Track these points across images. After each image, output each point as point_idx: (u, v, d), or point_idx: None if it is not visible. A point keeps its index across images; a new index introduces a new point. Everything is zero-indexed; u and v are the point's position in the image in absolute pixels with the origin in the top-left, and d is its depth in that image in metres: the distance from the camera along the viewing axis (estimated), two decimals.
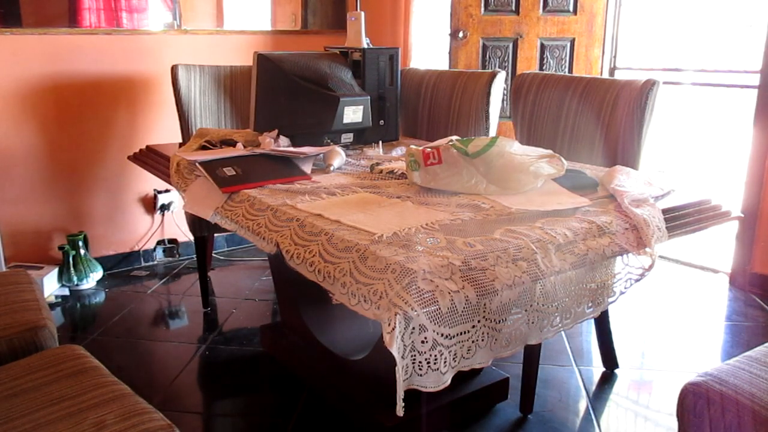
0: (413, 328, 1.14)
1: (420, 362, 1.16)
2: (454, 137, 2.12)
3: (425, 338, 1.15)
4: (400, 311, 1.13)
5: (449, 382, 1.21)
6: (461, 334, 1.20)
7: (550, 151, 1.77)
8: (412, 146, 1.79)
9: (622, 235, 1.51)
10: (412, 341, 1.14)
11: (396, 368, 1.15)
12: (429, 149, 1.72)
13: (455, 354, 1.20)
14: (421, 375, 1.17)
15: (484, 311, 1.23)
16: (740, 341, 2.58)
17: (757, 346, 1.52)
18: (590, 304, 1.48)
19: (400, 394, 1.15)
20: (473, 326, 1.22)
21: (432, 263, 1.24)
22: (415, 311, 1.14)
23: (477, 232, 1.42)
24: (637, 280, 1.57)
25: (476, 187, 1.69)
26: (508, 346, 1.31)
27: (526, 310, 1.32)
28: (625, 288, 1.55)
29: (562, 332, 2.64)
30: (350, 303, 1.26)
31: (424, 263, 1.24)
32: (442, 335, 1.17)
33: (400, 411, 1.15)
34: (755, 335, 2.63)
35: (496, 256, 1.30)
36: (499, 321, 1.26)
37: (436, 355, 1.17)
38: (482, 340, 1.24)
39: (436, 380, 1.19)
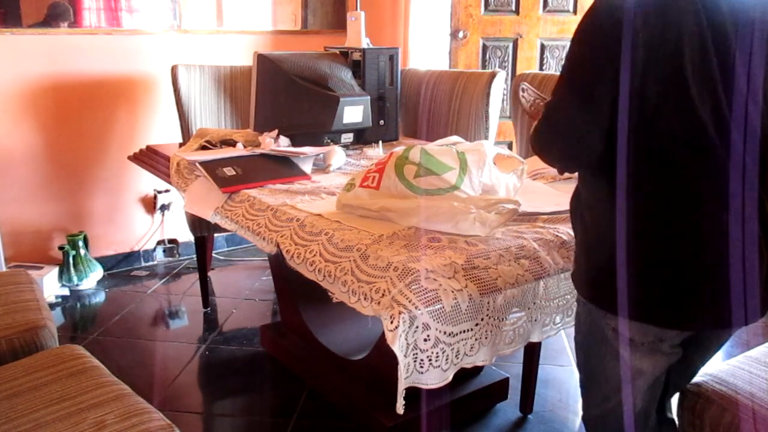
0: (416, 327, 1.14)
1: (422, 360, 1.16)
2: (455, 137, 2.12)
3: (428, 336, 1.16)
4: (404, 310, 1.13)
5: (451, 378, 1.21)
6: (465, 332, 1.20)
7: (507, 199, 1.53)
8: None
9: None
10: (415, 339, 1.15)
11: (396, 367, 1.15)
12: (373, 172, 1.54)
13: (458, 351, 1.21)
14: (422, 372, 1.17)
15: (488, 309, 1.23)
16: (740, 341, 2.58)
17: (757, 346, 1.52)
18: None
19: (401, 392, 1.15)
20: (476, 324, 1.22)
21: (434, 262, 1.24)
22: (419, 310, 1.14)
23: None
24: None
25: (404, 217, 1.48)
26: (510, 344, 1.31)
27: (528, 308, 1.32)
28: None
29: (562, 332, 2.64)
30: (350, 301, 1.26)
31: (426, 262, 1.24)
32: (444, 333, 1.18)
33: (400, 409, 1.16)
34: (755, 335, 2.63)
35: (498, 255, 1.30)
36: (502, 319, 1.27)
37: (438, 353, 1.18)
38: (485, 337, 1.24)
39: (438, 377, 1.19)
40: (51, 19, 2.90)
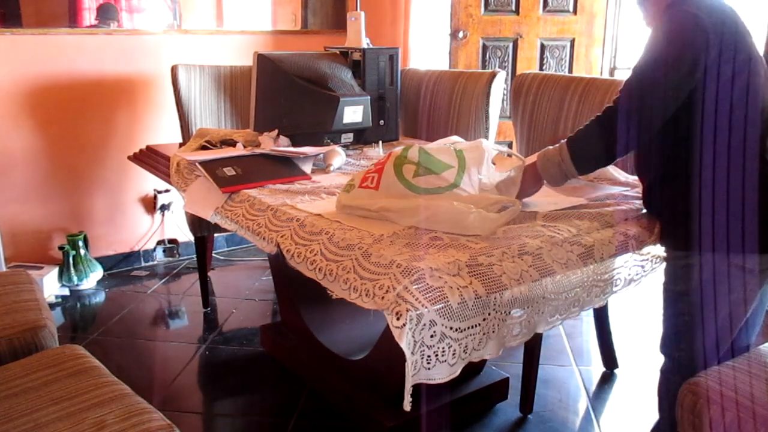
0: (423, 324, 1.15)
1: (428, 356, 1.17)
2: (455, 137, 2.12)
3: (434, 332, 1.16)
4: (411, 307, 1.13)
5: (458, 372, 1.21)
6: (473, 327, 1.21)
7: (507, 198, 1.54)
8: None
9: (625, 225, 1.52)
10: (422, 337, 1.15)
11: (402, 365, 1.15)
12: (372, 172, 1.54)
13: (466, 346, 1.21)
14: (429, 368, 1.17)
15: (494, 304, 1.23)
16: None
17: (758, 346, 1.52)
18: (599, 293, 1.48)
19: (408, 390, 1.15)
20: (484, 319, 1.22)
21: (438, 260, 1.24)
22: (426, 308, 1.14)
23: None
24: (645, 268, 1.58)
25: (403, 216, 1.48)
26: (517, 336, 1.31)
27: (537, 303, 1.33)
28: (636, 275, 1.56)
29: (562, 332, 2.64)
30: (350, 297, 1.26)
31: (430, 260, 1.24)
32: (451, 329, 1.18)
33: (407, 406, 1.16)
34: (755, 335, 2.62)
35: (501, 252, 1.30)
36: (508, 312, 1.27)
37: (444, 348, 1.18)
38: (492, 331, 1.25)
39: (445, 372, 1.19)
40: (102, 20, 3.00)
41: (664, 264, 1.56)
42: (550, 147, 1.55)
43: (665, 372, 1.58)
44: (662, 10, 1.45)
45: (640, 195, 1.63)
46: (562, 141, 1.53)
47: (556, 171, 1.53)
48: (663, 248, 1.55)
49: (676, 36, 1.37)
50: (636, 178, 1.71)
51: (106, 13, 3.00)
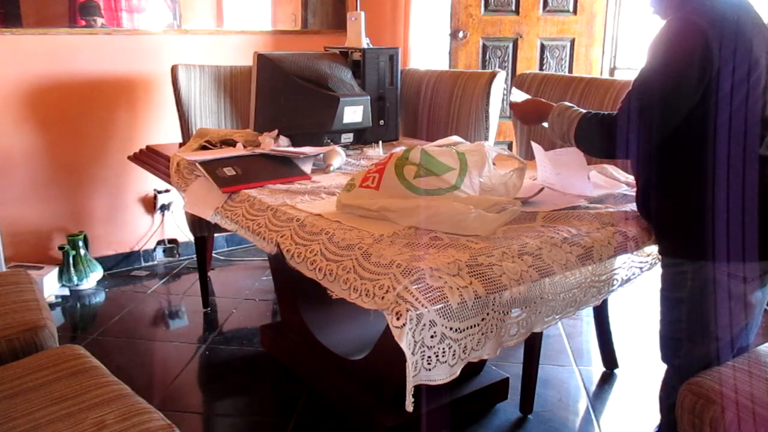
0: (423, 324, 1.15)
1: (429, 357, 1.17)
2: (455, 137, 2.12)
3: (434, 333, 1.16)
4: (411, 307, 1.13)
5: (458, 373, 1.21)
6: (471, 327, 1.21)
7: (507, 200, 1.53)
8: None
9: (625, 225, 1.53)
10: (422, 337, 1.15)
11: (403, 365, 1.15)
12: (373, 172, 1.56)
13: (465, 346, 1.21)
14: (429, 369, 1.17)
15: (493, 304, 1.24)
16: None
17: (758, 346, 1.52)
18: (595, 293, 1.48)
19: (409, 390, 1.15)
20: (483, 319, 1.22)
21: (438, 260, 1.24)
22: (426, 308, 1.14)
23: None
24: (642, 269, 1.58)
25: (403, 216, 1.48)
26: (515, 336, 1.32)
27: (535, 303, 1.33)
28: (632, 276, 1.57)
29: (562, 332, 2.64)
30: (350, 297, 1.27)
31: (430, 260, 1.24)
32: (451, 329, 1.18)
33: (409, 406, 1.16)
34: (755, 335, 2.62)
35: (501, 252, 1.30)
36: (506, 312, 1.27)
37: (444, 348, 1.18)
38: (491, 331, 1.25)
39: (445, 373, 1.20)
40: (86, 18, 2.97)
41: (661, 270, 1.55)
42: (569, 109, 1.55)
43: (667, 380, 1.57)
44: (672, 8, 1.43)
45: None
46: (580, 114, 1.53)
47: (558, 136, 1.57)
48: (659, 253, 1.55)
49: (679, 50, 1.35)
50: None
51: (88, 11, 2.96)
